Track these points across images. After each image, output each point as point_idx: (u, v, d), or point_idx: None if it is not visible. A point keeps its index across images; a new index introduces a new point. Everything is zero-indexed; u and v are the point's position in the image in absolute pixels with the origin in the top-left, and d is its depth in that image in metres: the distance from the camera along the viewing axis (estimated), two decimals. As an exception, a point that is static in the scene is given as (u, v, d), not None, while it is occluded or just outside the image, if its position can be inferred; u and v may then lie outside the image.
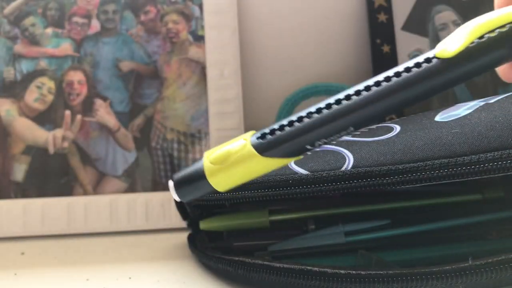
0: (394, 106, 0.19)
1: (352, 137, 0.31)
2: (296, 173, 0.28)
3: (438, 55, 0.19)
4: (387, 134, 0.30)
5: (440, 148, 0.26)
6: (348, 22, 0.49)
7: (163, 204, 0.41)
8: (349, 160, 0.28)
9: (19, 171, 0.41)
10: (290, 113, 0.46)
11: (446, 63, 0.19)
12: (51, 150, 0.42)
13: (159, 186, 0.42)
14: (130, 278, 0.31)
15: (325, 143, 0.19)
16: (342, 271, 0.25)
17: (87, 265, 0.34)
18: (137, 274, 0.32)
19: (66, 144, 0.42)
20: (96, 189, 0.41)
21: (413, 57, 0.45)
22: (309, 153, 0.20)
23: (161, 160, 0.42)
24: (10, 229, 0.40)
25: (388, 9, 0.46)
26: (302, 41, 0.49)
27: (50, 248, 0.38)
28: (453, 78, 0.19)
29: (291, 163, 0.30)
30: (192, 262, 0.33)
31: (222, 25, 0.44)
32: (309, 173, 0.28)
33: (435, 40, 0.46)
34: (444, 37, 0.49)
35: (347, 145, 0.30)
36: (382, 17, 0.46)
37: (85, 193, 0.41)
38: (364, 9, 0.48)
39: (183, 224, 0.36)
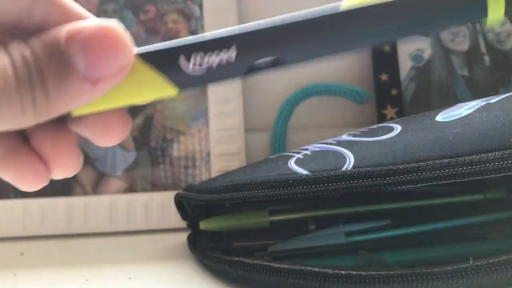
0: (271, 42, 0.17)
1: (352, 137, 0.31)
2: (296, 173, 0.28)
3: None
4: (387, 134, 0.29)
5: (441, 148, 0.26)
6: (349, 22, 0.49)
7: (162, 204, 0.41)
8: (350, 160, 0.28)
9: (19, 171, 0.41)
10: (290, 113, 0.46)
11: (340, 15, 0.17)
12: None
13: (159, 186, 0.42)
14: (129, 278, 0.31)
15: (208, 65, 0.17)
16: (343, 272, 0.25)
17: (86, 265, 0.34)
18: (136, 274, 0.32)
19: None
20: (96, 189, 0.41)
21: (414, 56, 0.46)
22: (186, 64, 0.17)
23: (161, 160, 0.42)
24: (9, 229, 0.40)
25: (388, 9, 0.46)
26: (302, 41, 0.49)
27: (49, 249, 0.38)
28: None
29: (291, 163, 0.29)
30: (192, 262, 0.33)
31: (222, 25, 0.44)
32: (309, 173, 0.28)
33: (436, 40, 0.46)
34: (445, 36, 0.49)
35: (348, 145, 0.30)
36: (382, 16, 0.46)
37: (85, 193, 0.41)
38: (364, 8, 0.48)
39: (183, 224, 0.36)
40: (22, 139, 0.18)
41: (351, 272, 0.25)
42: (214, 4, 0.44)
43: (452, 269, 0.23)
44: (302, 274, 0.25)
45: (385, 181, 0.26)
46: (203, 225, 0.32)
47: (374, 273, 0.24)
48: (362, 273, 0.24)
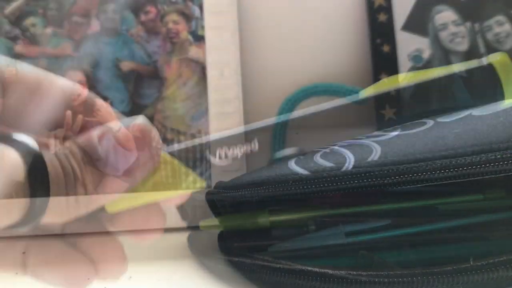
0: None
1: (352, 139, 0.31)
2: (296, 173, 0.28)
3: None
4: (387, 134, 0.29)
5: (441, 148, 0.26)
6: (348, 22, 0.49)
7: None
8: (350, 160, 0.28)
9: (19, 171, 0.41)
10: (290, 113, 0.46)
11: None
12: (52, 150, 0.42)
13: (159, 186, 0.42)
14: (130, 278, 0.31)
15: (234, 157, 0.18)
16: (343, 272, 0.25)
17: (87, 265, 0.34)
18: (137, 274, 0.32)
19: (67, 144, 0.42)
20: (97, 189, 0.41)
21: (413, 57, 0.46)
22: (212, 158, 0.18)
23: (162, 160, 0.42)
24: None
25: (388, 9, 0.46)
26: (302, 41, 0.49)
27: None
28: None
29: (291, 163, 0.30)
30: (192, 262, 0.33)
31: (222, 25, 0.44)
32: (309, 173, 0.28)
33: (435, 40, 0.46)
34: (444, 37, 0.49)
35: (347, 145, 0.30)
36: (382, 17, 0.46)
37: (86, 193, 0.41)
38: (364, 9, 0.48)
39: (183, 224, 0.36)
40: (69, 245, 0.19)
41: (351, 272, 0.25)
42: (215, 4, 0.44)
43: (452, 269, 0.23)
44: (302, 274, 0.25)
45: (385, 181, 0.26)
46: (203, 225, 0.32)
47: (374, 273, 0.24)
48: (362, 273, 0.24)
